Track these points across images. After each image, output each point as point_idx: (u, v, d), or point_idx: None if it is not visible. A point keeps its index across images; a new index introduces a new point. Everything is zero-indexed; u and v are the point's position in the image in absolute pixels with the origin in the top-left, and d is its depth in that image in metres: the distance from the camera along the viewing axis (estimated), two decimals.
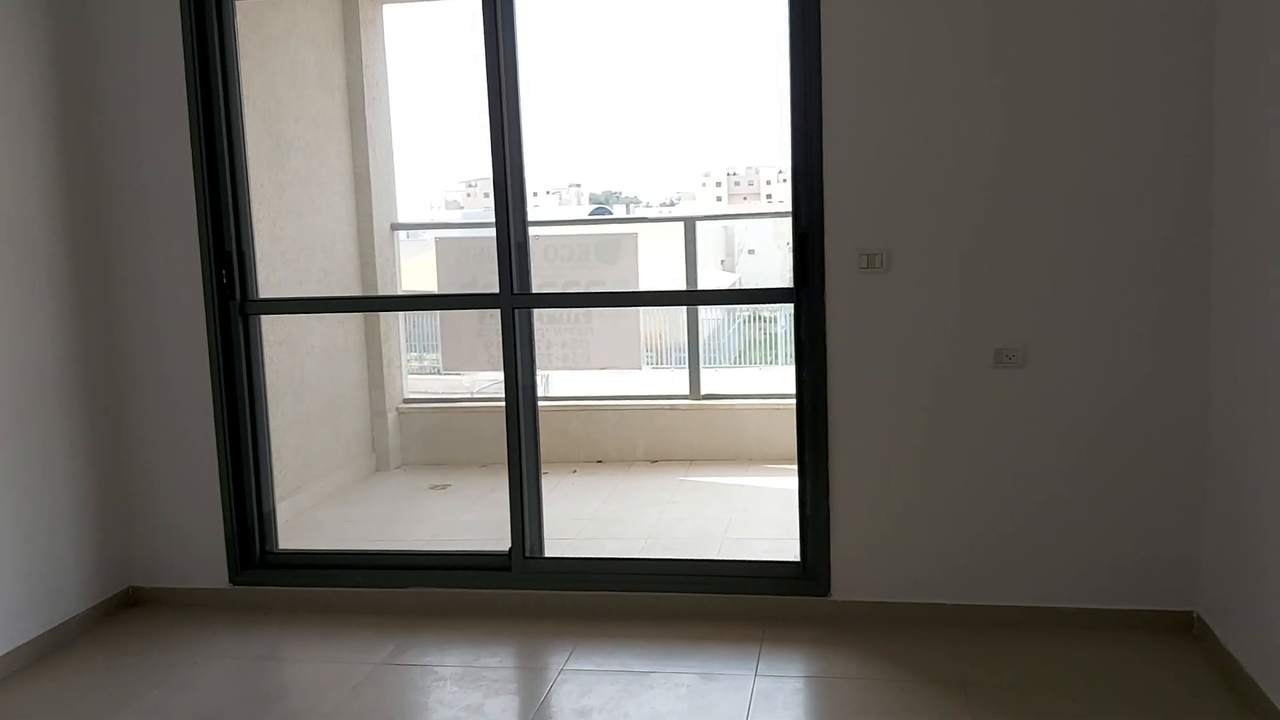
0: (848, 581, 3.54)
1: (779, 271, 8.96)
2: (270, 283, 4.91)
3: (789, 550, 3.78)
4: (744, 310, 7.95)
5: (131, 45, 3.70)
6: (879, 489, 3.48)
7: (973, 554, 3.45)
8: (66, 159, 3.66)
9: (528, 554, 3.77)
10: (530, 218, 3.80)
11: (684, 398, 6.18)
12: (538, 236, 5.98)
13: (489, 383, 6.71)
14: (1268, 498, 2.83)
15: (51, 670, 3.45)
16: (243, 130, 3.79)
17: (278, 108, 5.16)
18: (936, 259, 3.35)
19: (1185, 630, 3.34)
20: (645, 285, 6.08)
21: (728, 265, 9.23)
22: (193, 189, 3.71)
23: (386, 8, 6.00)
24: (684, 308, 6.41)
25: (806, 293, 3.46)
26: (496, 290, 3.71)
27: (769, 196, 9.92)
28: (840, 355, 3.44)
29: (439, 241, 6.13)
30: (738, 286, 8.27)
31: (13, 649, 3.43)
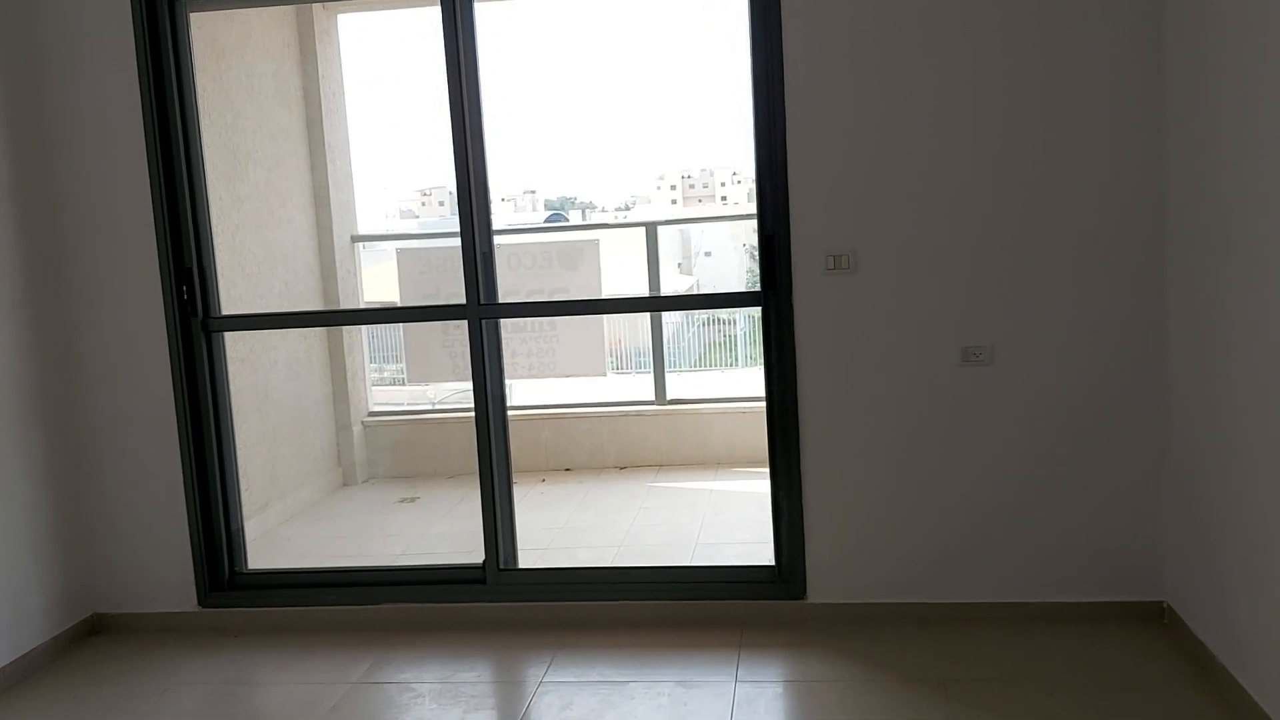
0: (823, 583, 3.55)
1: (736, 273, 8.98)
2: (231, 298, 4.83)
3: (762, 554, 3.79)
4: (702, 313, 7.96)
5: (83, 58, 3.61)
6: (851, 490, 3.50)
7: (945, 552, 3.48)
8: (17, 176, 3.57)
9: (502, 566, 3.74)
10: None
11: (650, 403, 6.18)
12: (500, 246, 5.95)
13: (450, 393, 6.66)
14: (1226, 488, 2.88)
15: (16, 703, 3.36)
16: (200, 143, 3.73)
17: (235, 120, 5.08)
18: (903, 259, 3.37)
19: (1156, 619, 3.38)
20: (607, 291, 6.07)
21: (685, 268, 9.25)
22: (150, 204, 3.64)
23: (341, 17, 5.94)
24: (647, 313, 6.42)
25: (774, 295, 3.46)
26: (463, 301, 3.68)
27: (724, 198, 9.96)
28: (809, 357, 3.45)
29: (400, 253, 6.08)
30: (695, 289, 8.28)
31: None
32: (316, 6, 5.70)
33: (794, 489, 3.51)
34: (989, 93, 3.27)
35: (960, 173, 3.31)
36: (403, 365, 6.80)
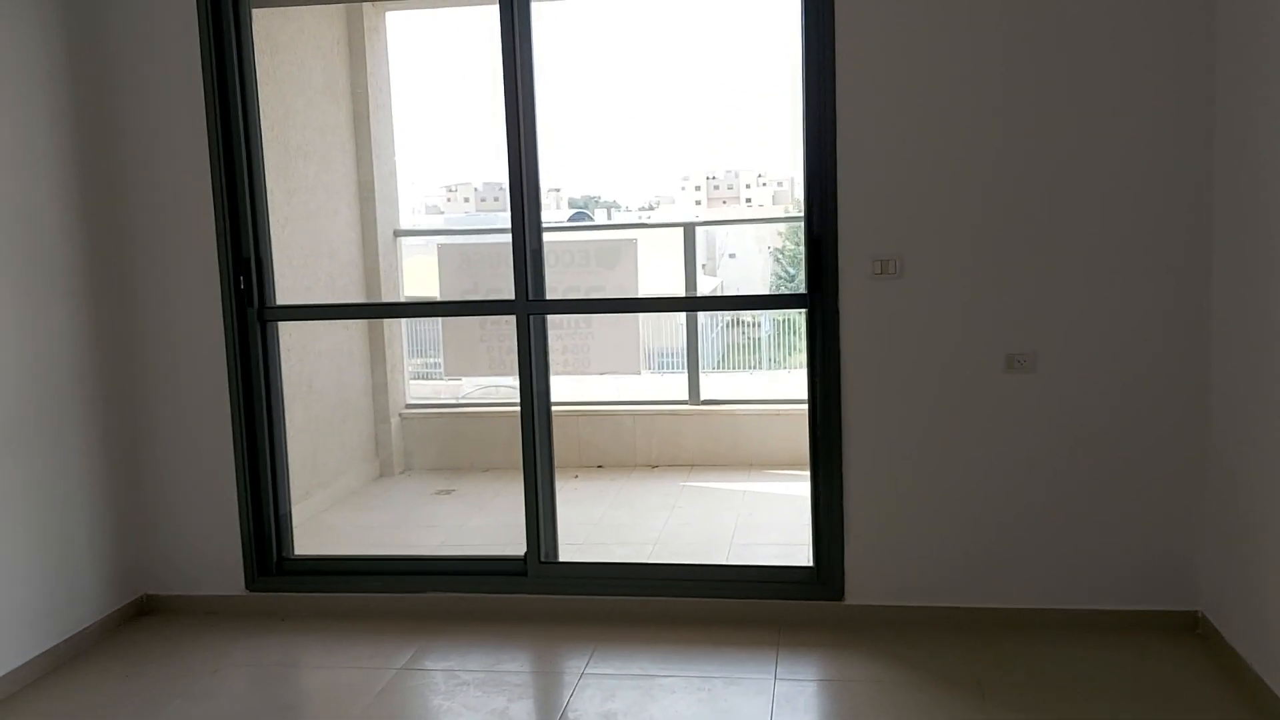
0: (861, 585, 3.59)
1: (760, 275, 9.01)
2: (278, 289, 4.91)
3: (796, 556, 3.83)
4: (726, 317, 7.98)
5: (149, 52, 3.70)
6: (891, 493, 3.54)
7: (984, 557, 3.52)
8: (83, 163, 3.66)
9: (543, 559, 3.81)
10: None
11: (684, 403, 6.22)
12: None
13: (476, 388, 6.72)
14: (1267, 498, 2.91)
15: (69, 680, 3.44)
16: (260, 135, 3.81)
17: (286, 115, 5.17)
18: (949, 265, 3.41)
19: (1190, 629, 3.41)
20: (641, 291, 6.11)
21: (709, 269, 9.30)
22: (211, 194, 3.73)
23: (389, 15, 6.02)
24: (682, 313, 6.46)
25: (820, 298, 3.50)
26: (510, 296, 3.75)
27: (748, 200, 9.98)
28: (854, 360, 3.50)
29: (441, 248, 6.15)
30: (719, 290, 8.30)
31: (29, 659, 3.43)
32: (366, 5, 5.79)
33: (834, 491, 3.55)
34: (1036, 99, 3.30)
35: (1006, 179, 3.35)
36: (433, 359, 6.86)
